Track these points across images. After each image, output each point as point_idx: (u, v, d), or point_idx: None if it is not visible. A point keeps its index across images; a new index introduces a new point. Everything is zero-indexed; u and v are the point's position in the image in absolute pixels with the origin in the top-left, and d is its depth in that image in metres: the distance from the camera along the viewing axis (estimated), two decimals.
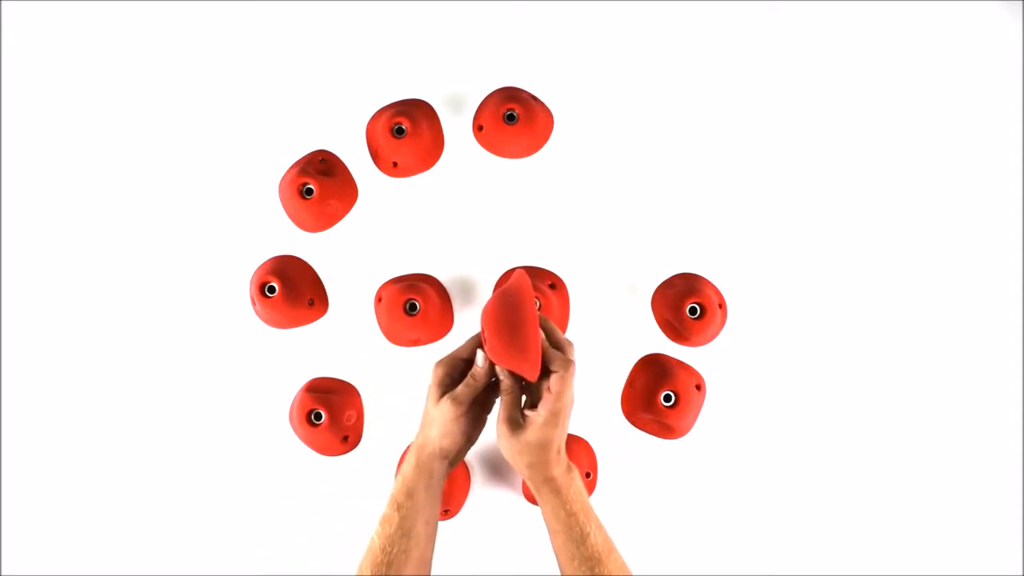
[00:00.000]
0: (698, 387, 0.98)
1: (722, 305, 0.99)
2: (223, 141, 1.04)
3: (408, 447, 0.87)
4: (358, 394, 1.00)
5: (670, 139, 1.04)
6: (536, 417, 0.75)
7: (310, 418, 0.96)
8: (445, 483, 0.93)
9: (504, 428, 0.76)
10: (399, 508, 0.75)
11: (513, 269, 0.99)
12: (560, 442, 0.76)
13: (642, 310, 1.01)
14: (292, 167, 1.01)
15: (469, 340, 0.80)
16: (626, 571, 0.75)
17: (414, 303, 0.96)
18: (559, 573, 0.77)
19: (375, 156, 1.02)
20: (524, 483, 0.98)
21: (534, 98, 1.01)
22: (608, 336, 1.01)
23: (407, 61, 1.04)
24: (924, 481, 1.01)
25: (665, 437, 0.99)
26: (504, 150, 1.02)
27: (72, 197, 1.04)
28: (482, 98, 1.01)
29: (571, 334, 0.99)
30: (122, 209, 1.03)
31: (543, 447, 0.75)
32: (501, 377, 0.77)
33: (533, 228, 1.03)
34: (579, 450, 0.97)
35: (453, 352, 0.79)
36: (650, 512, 1.00)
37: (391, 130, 0.99)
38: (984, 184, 1.04)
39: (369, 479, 0.99)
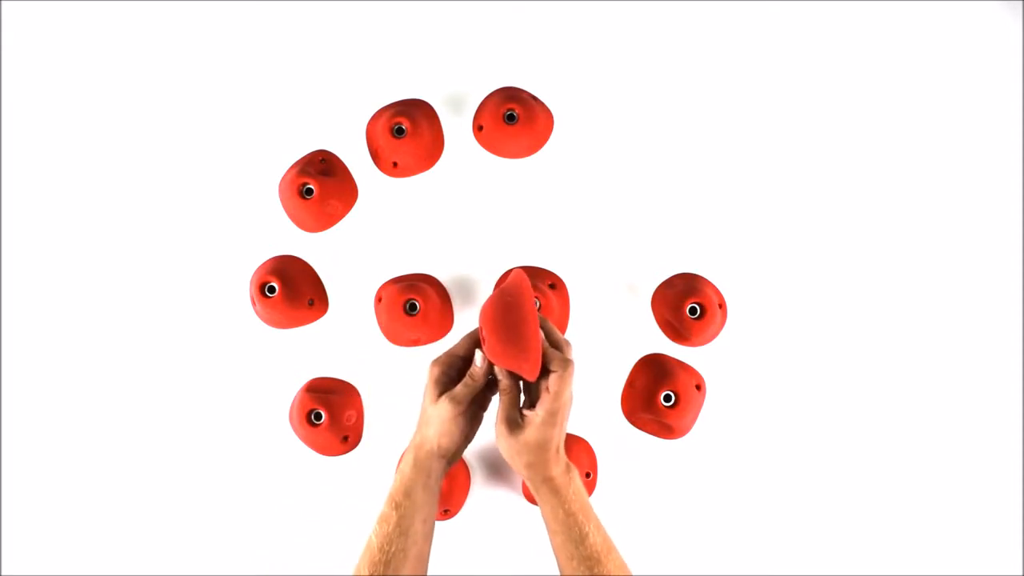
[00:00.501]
0: (698, 387, 0.98)
1: (722, 305, 0.99)
2: (223, 141, 1.04)
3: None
4: (358, 394, 1.00)
5: (670, 139, 1.04)
6: (534, 417, 0.75)
7: (310, 418, 0.96)
8: (444, 483, 0.93)
9: (503, 428, 0.76)
10: (397, 507, 0.75)
11: (512, 269, 0.99)
12: (559, 442, 0.76)
13: (642, 310, 1.01)
14: (292, 167, 1.01)
15: (465, 337, 0.80)
16: (625, 571, 0.75)
17: (414, 303, 0.96)
18: (559, 573, 0.77)
19: (375, 156, 1.02)
20: (524, 483, 0.98)
21: (534, 98, 1.01)
22: (608, 336, 1.01)
23: (407, 61, 1.04)
24: (924, 481, 1.01)
25: (665, 437, 0.99)
26: (504, 150, 1.02)
27: (72, 197, 1.04)
28: (482, 98, 1.01)
29: (571, 334, 0.99)
30: (122, 209, 1.03)
31: (541, 447, 0.75)
32: (499, 377, 0.77)
33: (533, 228, 1.03)
34: (579, 450, 0.97)
35: (450, 350, 0.79)
36: (650, 512, 1.00)
37: (391, 130, 0.99)
38: (984, 184, 1.04)
39: (369, 479, 0.99)
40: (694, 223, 1.03)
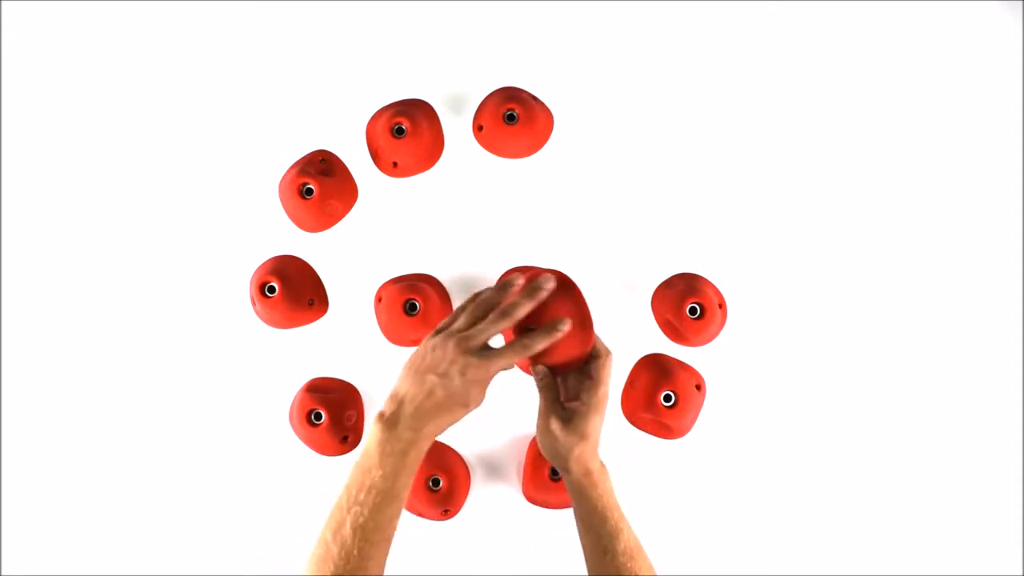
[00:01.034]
0: (698, 387, 0.98)
1: (722, 305, 0.99)
2: (223, 141, 1.04)
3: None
4: (358, 394, 1.00)
5: (670, 139, 1.04)
6: (581, 407, 0.75)
7: (310, 418, 0.96)
8: (445, 483, 0.95)
9: (553, 422, 0.76)
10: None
11: (512, 269, 0.99)
12: (600, 432, 0.76)
13: (642, 310, 1.01)
14: (292, 167, 1.01)
15: (489, 323, 0.73)
16: (652, 571, 0.75)
17: (414, 303, 0.96)
18: (586, 572, 0.76)
19: (375, 156, 1.02)
20: (524, 483, 0.98)
21: (534, 98, 1.01)
22: (608, 336, 1.00)
23: (407, 61, 1.04)
24: (924, 481, 1.01)
25: (665, 437, 0.99)
26: (504, 150, 1.02)
27: (72, 197, 1.04)
28: (482, 98, 1.01)
29: None
30: (122, 209, 1.03)
31: (588, 437, 0.75)
32: (538, 376, 0.77)
33: (533, 228, 1.03)
34: None
35: (481, 338, 0.73)
36: (650, 512, 0.99)
37: (391, 130, 0.99)
38: (984, 184, 1.04)
39: None
40: (694, 223, 1.03)
